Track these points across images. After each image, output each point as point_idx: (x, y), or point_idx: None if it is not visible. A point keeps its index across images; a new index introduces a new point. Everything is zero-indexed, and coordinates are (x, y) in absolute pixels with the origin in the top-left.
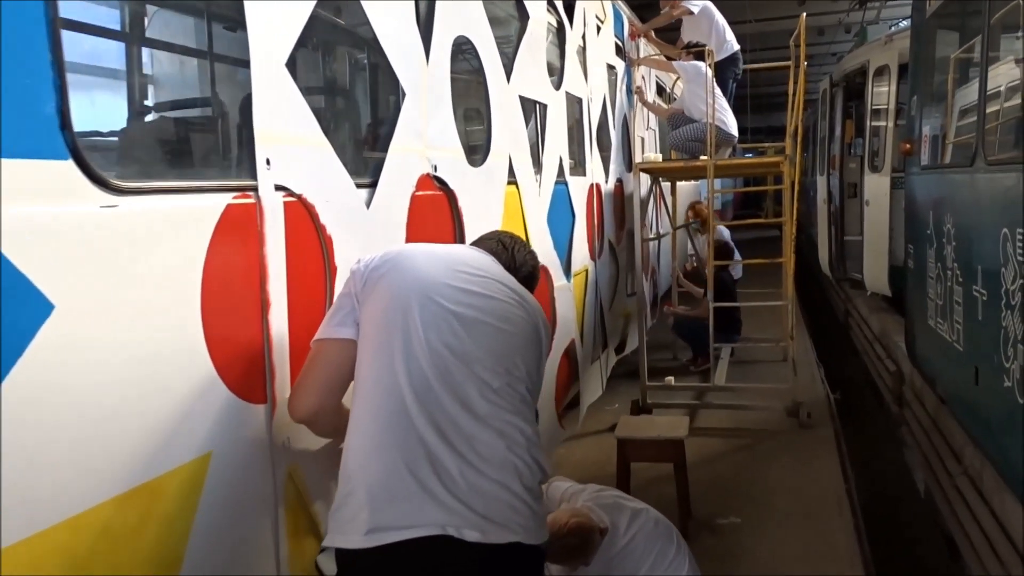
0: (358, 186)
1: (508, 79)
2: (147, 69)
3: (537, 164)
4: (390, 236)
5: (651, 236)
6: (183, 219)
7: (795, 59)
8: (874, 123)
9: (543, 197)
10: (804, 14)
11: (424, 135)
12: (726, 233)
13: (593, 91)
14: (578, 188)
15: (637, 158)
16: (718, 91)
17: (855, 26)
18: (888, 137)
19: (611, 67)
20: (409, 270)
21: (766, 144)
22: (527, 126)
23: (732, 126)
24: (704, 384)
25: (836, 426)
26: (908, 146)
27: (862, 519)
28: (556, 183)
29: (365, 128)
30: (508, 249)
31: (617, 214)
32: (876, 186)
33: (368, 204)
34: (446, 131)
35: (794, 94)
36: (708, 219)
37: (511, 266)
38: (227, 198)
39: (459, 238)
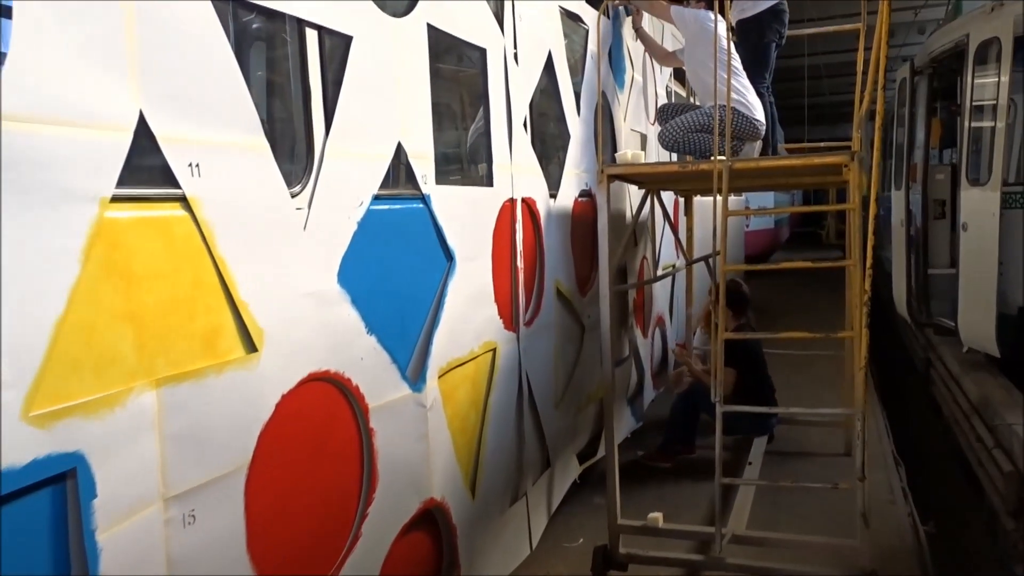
0: None
1: None
2: None
3: (301, 159)
4: None
5: (659, 274)
6: None
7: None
8: (975, 122)
9: (327, 229)
10: None
11: None
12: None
13: (523, 44)
14: (469, 207)
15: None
16: (736, 61)
17: (930, 25)
18: (998, 139)
19: (572, 16)
20: None
21: (821, 143)
22: (261, 71)
23: (757, 110)
24: (708, 530)
25: None
26: None
27: None
28: (385, 199)
29: None
30: None
31: (581, 247)
32: (978, 204)
33: None
34: None
35: (867, 58)
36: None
37: None
38: None
39: None
